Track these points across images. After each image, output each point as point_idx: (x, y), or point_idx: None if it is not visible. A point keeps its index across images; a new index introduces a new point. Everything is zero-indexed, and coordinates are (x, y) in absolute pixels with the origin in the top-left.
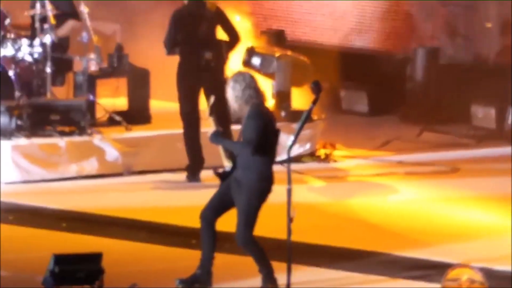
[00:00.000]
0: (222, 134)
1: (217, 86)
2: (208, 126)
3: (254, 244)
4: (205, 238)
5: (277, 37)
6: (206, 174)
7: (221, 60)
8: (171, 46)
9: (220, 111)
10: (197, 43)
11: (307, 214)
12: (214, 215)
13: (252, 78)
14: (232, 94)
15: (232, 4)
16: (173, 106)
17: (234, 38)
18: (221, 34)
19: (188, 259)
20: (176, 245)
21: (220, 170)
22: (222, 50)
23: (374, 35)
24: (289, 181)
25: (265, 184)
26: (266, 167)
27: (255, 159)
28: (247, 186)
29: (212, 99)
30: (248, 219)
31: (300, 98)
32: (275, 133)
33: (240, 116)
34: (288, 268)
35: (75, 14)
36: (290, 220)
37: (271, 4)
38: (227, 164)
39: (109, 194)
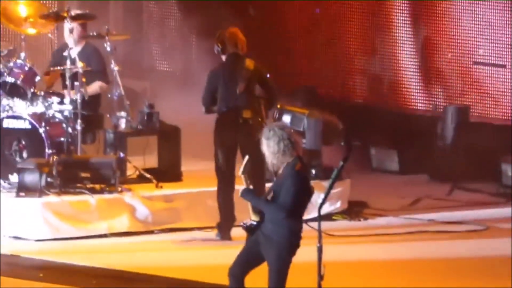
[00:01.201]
0: (253, 191)
1: (254, 144)
2: (241, 184)
3: None
4: None
5: (308, 94)
6: (237, 232)
7: (258, 118)
8: (209, 103)
9: (256, 170)
10: (235, 101)
11: (336, 272)
12: (242, 272)
13: (282, 130)
14: (267, 151)
15: (264, 61)
16: (204, 164)
17: (271, 96)
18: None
19: None
20: None
21: (248, 223)
22: (260, 108)
23: (404, 93)
24: (320, 239)
25: (295, 239)
26: (296, 222)
27: None
28: (277, 242)
29: (246, 158)
30: (280, 275)
31: (331, 156)
32: (309, 193)
33: (278, 170)
34: None
35: (105, 72)
36: (320, 277)
37: (302, 61)
38: (254, 218)
39: (139, 252)
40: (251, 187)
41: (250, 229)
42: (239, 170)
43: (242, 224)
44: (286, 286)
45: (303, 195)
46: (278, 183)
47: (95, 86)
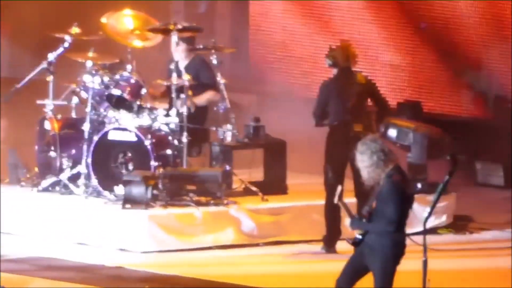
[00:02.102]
0: (359, 218)
1: None
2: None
3: None
4: None
5: (413, 109)
6: (342, 246)
7: (370, 131)
8: (320, 117)
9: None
10: (346, 115)
11: (441, 284)
12: (348, 283)
13: (375, 142)
14: (362, 166)
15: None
16: (309, 177)
17: (384, 110)
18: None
19: None
20: None
21: (354, 239)
22: (371, 122)
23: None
24: (425, 252)
25: (399, 249)
26: (399, 233)
27: None
28: (382, 252)
29: (339, 187)
30: (385, 285)
31: (436, 171)
32: (409, 201)
33: (376, 183)
34: None
35: (215, 81)
36: None
37: (406, 74)
38: (359, 232)
39: (244, 265)
40: (353, 214)
41: (356, 244)
42: (335, 197)
43: (347, 240)
44: None
45: (404, 205)
46: (378, 196)
47: (206, 96)
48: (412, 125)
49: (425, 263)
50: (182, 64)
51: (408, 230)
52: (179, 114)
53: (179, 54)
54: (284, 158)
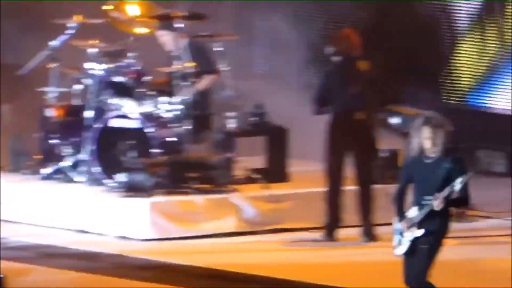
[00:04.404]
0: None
1: (366, 146)
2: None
3: None
4: None
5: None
6: (343, 233)
7: (371, 120)
8: (321, 104)
9: (364, 171)
10: (348, 102)
11: (440, 273)
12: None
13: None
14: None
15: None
16: (311, 164)
17: (385, 98)
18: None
19: None
20: None
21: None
22: (373, 109)
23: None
24: None
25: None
26: None
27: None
28: (443, 231)
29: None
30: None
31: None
32: None
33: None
34: None
35: (213, 65)
36: None
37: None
38: (418, 233)
39: (245, 252)
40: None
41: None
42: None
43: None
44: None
45: None
46: (447, 176)
47: (207, 80)
48: (415, 113)
49: None
50: (182, 51)
51: None
52: (182, 101)
53: (179, 41)
54: (286, 145)
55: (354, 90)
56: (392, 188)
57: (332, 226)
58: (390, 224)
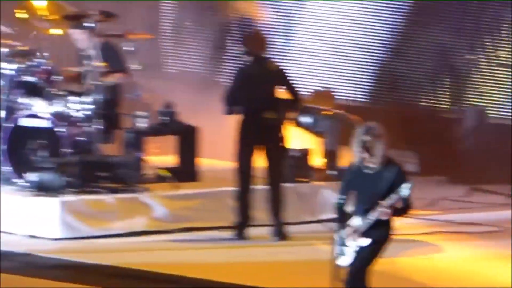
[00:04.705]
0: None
1: (275, 145)
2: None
3: None
4: None
5: (328, 96)
6: (253, 232)
7: (281, 119)
8: (231, 103)
9: (275, 171)
10: (258, 102)
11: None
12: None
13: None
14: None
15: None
16: (221, 163)
17: (294, 97)
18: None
19: None
20: None
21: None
22: (283, 109)
23: (423, 94)
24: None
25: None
26: None
27: None
28: (387, 239)
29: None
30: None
31: (350, 157)
32: None
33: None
34: None
35: (120, 69)
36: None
37: (323, 63)
38: (364, 242)
39: (156, 251)
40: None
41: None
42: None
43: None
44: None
45: None
46: (391, 185)
47: (114, 78)
48: (326, 112)
49: None
50: (94, 50)
51: (321, 217)
52: (92, 101)
53: (91, 41)
54: (196, 145)
55: (264, 90)
56: (304, 187)
57: (242, 225)
58: (301, 223)
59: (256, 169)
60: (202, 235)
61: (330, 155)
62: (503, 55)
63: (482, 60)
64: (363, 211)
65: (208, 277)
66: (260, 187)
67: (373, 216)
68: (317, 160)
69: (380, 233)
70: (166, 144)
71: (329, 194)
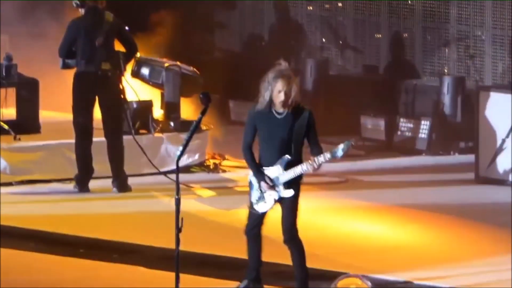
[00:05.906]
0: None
1: (112, 97)
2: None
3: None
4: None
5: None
6: (95, 184)
7: (117, 71)
8: (66, 56)
9: (113, 122)
10: (94, 54)
11: (195, 224)
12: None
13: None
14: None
15: None
16: (62, 116)
17: (131, 49)
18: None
19: (76, 269)
20: (65, 254)
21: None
22: (119, 61)
23: (265, 47)
24: (178, 191)
25: None
26: None
27: None
28: (297, 183)
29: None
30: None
31: (189, 109)
32: None
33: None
34: (176, 278)
35: None
36: (178, 230)
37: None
38: (288, 193)
39: None
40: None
41: None
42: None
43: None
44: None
45: None
46: (307, 129)
47: None
48: (164, 64)
49: (178, 201)
50: None
51: (162, 169)
52: None
53: None
54: (36, 97)
55: (99, 41)
56: (144, 138)
57: (84, 177)
58: (142, 175)
59: (95, 121)
60: (44, 188)
61: (170, 106)
62: None
63: None
64: (279, 159)
65: (51, 230)
66: (100, 139)
67: (300, 169)
68: (157, 112)
69: (297, 186)
70: (6, 96)
71: (169, 146)
